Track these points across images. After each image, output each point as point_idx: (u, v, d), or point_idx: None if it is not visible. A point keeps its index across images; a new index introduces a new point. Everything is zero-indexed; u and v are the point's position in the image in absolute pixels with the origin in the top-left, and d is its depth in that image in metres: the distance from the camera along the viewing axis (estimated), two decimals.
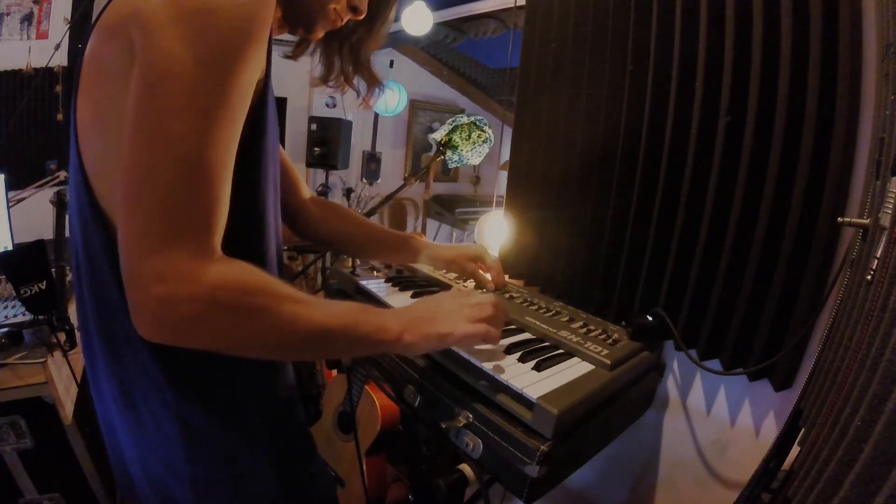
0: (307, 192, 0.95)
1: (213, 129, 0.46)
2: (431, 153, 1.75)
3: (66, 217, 1.21)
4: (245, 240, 0.61)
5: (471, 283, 1.06)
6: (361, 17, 0.71)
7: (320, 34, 0.71)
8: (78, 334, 1.26)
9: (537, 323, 0.89)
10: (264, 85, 0.56)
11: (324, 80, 0.81)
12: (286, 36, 0.72)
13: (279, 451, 0.67)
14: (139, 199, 0.44)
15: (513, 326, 0.90)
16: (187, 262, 0.45)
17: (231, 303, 0.47)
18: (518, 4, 1.51)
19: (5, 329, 1.18)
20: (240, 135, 0.50)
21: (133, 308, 0.45)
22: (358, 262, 1.14)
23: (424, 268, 1.13)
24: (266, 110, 0.58)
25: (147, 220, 0.44)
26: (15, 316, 1.25)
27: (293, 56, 0.80)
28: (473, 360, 0.73)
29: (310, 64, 0.83)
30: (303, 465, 0.71)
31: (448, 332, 0.64)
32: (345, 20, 0.70)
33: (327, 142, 3.01)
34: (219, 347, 0.49)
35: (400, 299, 0.97)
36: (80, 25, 2.31)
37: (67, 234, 1.25)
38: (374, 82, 0.84)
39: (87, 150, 0.54)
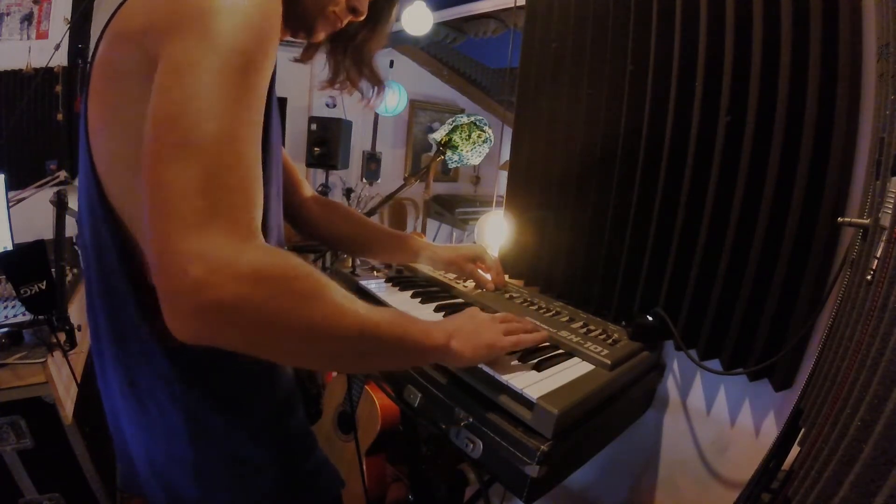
0: (308, 191, 0.96)
1: (245, 113, 0.45)
2: (431, 153, 1.75)
3: (67, 217, 1.21)
4: None
5: (471, 284, 1.06)
6: (361, 18, 0.71)
7: (322, 36, 0.71)
8: (79, 333, 1.26)
9: (537, 323, 0.89)
10: (270, 87, 0.57)
11: (331, 83, 0.82)
12: (295, 40, 0.73)
13: (282, 444, 0.68)
14: (167, 176, 0.41)
15: None
16: (228, 242, 0.41)
17: (279, 287, 0.43)
18: (518, 4, 1.51)
19: (5, 329, 1.18)
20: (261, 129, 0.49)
21: (166, 298, 0.41)
22: (358, 261, 1.14)
23: (424, 268, 1.13)
24: (271, 112, 0.58)
25: (182, 200, 0.40)
26: (15, 316, 1.25)
27: (302, 59, 0.80)
28: (480, 364, 0.73)
29: (310, 65, 0.83)
30: (305, 459, 0.72)
31: (494, 342, 0.68)
32: (345, 22, 0.71)
33: (327, 142, 3.01)
34: (258, 341, 0.45)
35: (400, 299, 0.97)
36: (80, 25, 2.31)
37: (69, 233, 1.25)
38: (377, 83, 0.84)
39: (98, 150, 0.55)
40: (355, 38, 0.77)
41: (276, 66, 0.56)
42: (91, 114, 0.55)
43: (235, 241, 0.41)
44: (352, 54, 0.79)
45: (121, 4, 0.53)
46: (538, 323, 0.87)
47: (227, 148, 0.43)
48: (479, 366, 0.72)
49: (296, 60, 0.80)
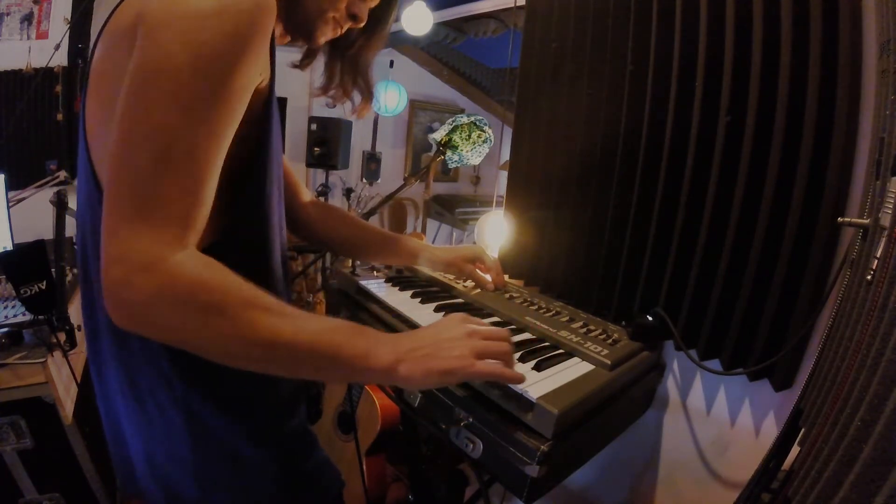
0: (306, 195, 0.96)
1: (200, 128, 0.46)
2: (431, 153, 1.75)
3: (67, 217, 1.21)
4: (252, 246, 0.62)
5: (471, 284, 1.06)
6: (361, 24, 0.71)
7: (321, 42, 0.71)
8: (78, 334, 1.26)
9: (537, 323, 0.89)
10: (268, 93, 0.57)
11: (324, 90, 0.82)
12: (296, 45, 0.73)
13: (283, 444, 0.68)
14: (115, 183, 0.45)
15: (513, 326, 0.90)
16: (147, 248, 0.44)
17: (182, 297, 0.45)
18: (518, 4, 1.51)
19: (5, 329, 1.18)
20: (230, 140, 0.50)
21: (102, 290, 0.45)
22: (358, 262, 1.14)
23: (424, 268, 1.13)
24: (271, 120, 0.59)
25: (117, 203, 0.45)
26: (15, 316, 1.25)
27: (301, 66, 0.80)
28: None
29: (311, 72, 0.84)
30: (305, 458, 0.72)
31: (453, 369, 0.55)
32: (345, 28, 0.71)
33: (327, 142, 3.01)
34: (172, 342, 0.48)
35: (400, 299, 0.97)
36: (80, 25, 2.31)
37: (69, 233, 1.25)
38: (368, 93, 0.84)
39: (96, 150, 0.56)
40: (353, 45, 0.78)
41: (275, 69, 0.56)
42: (89, 114, 0.56)
43: (157, 249, 0.44)
44: (349, 62, 0.80)
45: (118, 4, 0.53)
46: (538, 332, 0.87)
47: (171, 161, 0.45)
48: None
49: (294, 66, 0.80)
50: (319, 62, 0.82)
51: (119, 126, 0.45)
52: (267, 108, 0.57)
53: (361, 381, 0.73)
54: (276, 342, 0.49)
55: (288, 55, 0.77)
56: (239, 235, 0.59)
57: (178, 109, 0.45)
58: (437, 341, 0.57)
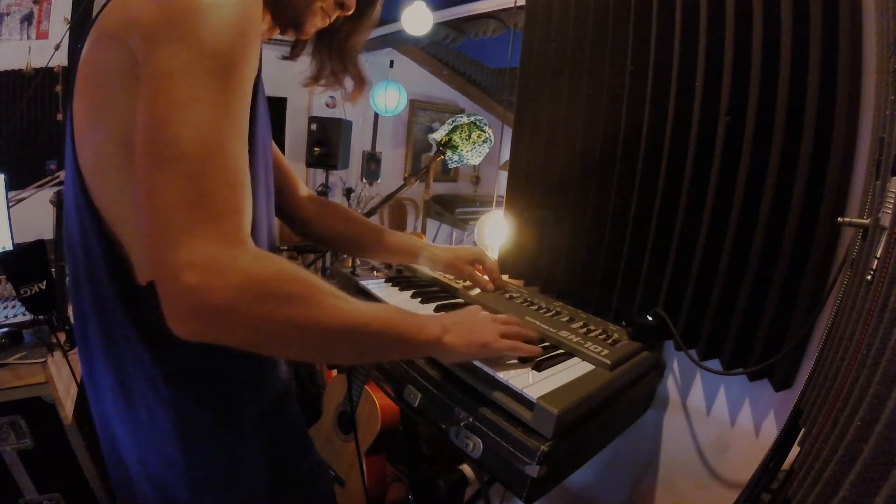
0: (304, 190, 0.95)
1: (227, 119, 0.46)
2: (431, 153, 1.75)
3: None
4: None
5: (470, 284, 1.06)
6: (350, 12, 0.71)
7: (311, 33, 0.71)
8: None
9: (537, 323, 0.89)
10: (255, 85, 0.57)
11: (315, 79, 0.81)
12: (284, 37, 0.73)
13: (275, 445, 0.67)
14: (158, 190, 0.43)
15: None
16: (218, 249, 0.43)
17: (269, 290, 0.45)
18: (518, 4, 1.51)
19: (5, 329, 1.18)
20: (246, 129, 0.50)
21: (165, 301, 0.43)
22: (358, 261, 1.14)
23: (424, 268, 1.13)
24: (256, 113, 0.58)
25: (172, 210, 0.43)
26: (15, 316, 1.25)
27: (291, 57, 0.80)
28: (473, 361, 0.73)
29: (309, 64, 0.83)
30: (297, 460, 0.72)
31: (489, 342, 0.67)
32: (333, 17, 0.70)
33: (327, 142, 3.01)
34: (255, 341, 0.47)
35: (400, 299, 0.97)
36: (80, 25, 2.31)
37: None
38: (361, 80, 0.83)
39: (83, 150, 0.55)
40: (339, 32, 0.77)
41: (261, 62, 0.56)
42: (76, 114, 0.55)
43: (224, 248, 0.43)
44: (336, 50, 0.79)
45: (105, 4, 0.53)
46: (537, 330, 0.87)
47: (211, 156, 0.45)
48: (479, 366, 0.72)
49: (284, 58, 0.80)
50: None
51: (145, 134, 0.45)
52: (253, 101, 0.57)
53: (415, 355, 0.78)
54: (356, 325, 0.52)
55: (275, 51, 0.76)
56: None
57: (201, 105, 0.45)
58: (472, 321, 0.70)
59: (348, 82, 0.82)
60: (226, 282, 0.42)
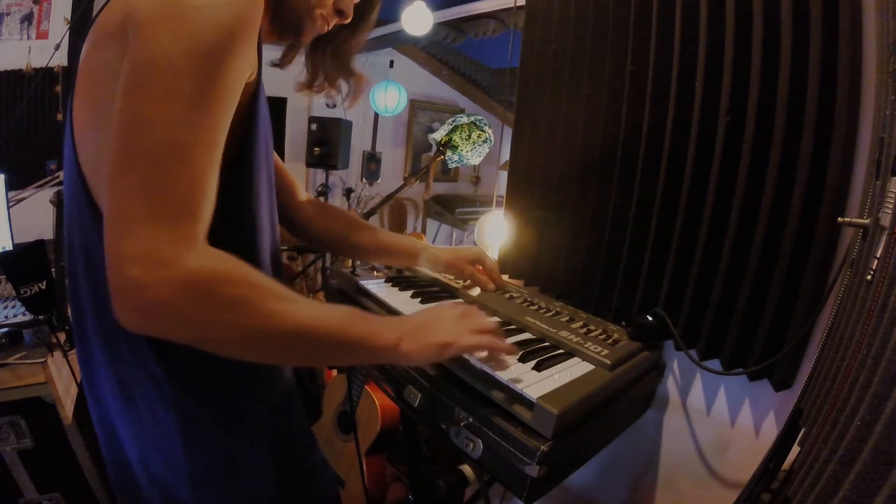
0: (304, 194, 0.95)
1: (197, 120, 0.46)
2: (431, 153, 1.75)
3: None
4: (238, 242, 0.61)
5: (470, 284, 1.06)
6: (348, 20, 0.71)
7: (308, 39, 0.71)
8: None
9: (537, 323, 0.89)
10: (256, 88, 0.57)
11: (308, 85, 0.81)
12: (277, 43, 0.72)
13: (279, 445, 0.67)
14: (120, 183, 0.45)
15: (513, 326, 0.90)
16: (164, 245, 0.44)
17: (207, 291, 0.45)
18: (518, 4, 1.51)
19: (5, 329, 1.18)
20: (227, 133, 0.50)
21: (111, 292, 0.44)
22: (358, 262, 1.14)
23: (424, 268, 1.13)
24: (257, 114, 0.58)
25: (127, 203, 0.44)
26: (15, 316, 1.25)
27: (280, 64, 0.79)
28: (473, 361, 0.73)
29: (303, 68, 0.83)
30: (301, 459, 0.72)
31: (449, 342, 0.62)
32: (331, 24, 0.70)
33: (327, 142, 3.01)
34: (193, 339, 0.47)
35: (400, 299, 0.97)
36: (80, 25, 2.31)
37: None
38: (359, 83, 0.83)
39: (83, 149, 0.55)
40: (335, 38, 0.77)
41: (262, 63, 0.56)
42: (76, 114, 0.55)
43: (170, 245, 0.44)
44: (332, 56, 0.79)
45: (105, 3, 0.53)
46: (537, 331, 0.87)
47: (177, 155, 0.45)
48: (479, 366, 0.72)
49: (273, 65, 0.79)
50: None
51: (118, 126, 0.45)
52: (254, 102, 0.57)
53: (369, 361, 0.76)
54: (298, 331, 0.51)
55: (269, 53, 0.76)
56: (225, 233, 0.58)
57: (177, 102, 0.45)
58: (435, 321, 0.64)
59: (343, 85, 0.83)
60: (165, 278, 0.43)
